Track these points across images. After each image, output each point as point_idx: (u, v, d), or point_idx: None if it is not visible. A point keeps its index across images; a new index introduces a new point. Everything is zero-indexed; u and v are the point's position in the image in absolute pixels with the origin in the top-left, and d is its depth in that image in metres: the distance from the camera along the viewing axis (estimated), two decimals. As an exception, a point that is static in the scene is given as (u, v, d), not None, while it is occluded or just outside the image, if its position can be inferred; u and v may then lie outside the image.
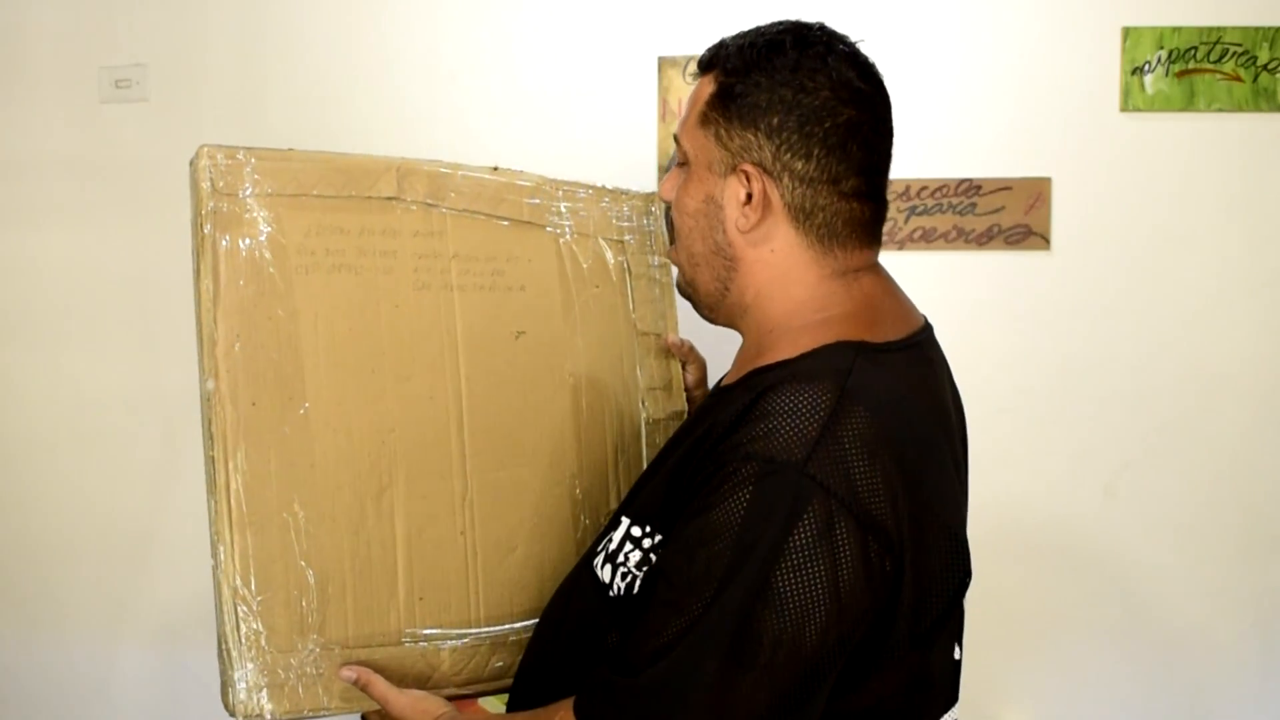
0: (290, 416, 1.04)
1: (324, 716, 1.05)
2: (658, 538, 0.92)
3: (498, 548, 1.15)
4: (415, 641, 1.09)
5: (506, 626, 1.14)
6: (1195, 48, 1.83)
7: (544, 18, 1.96)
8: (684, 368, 1.34)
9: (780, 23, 1.00)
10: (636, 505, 0.98)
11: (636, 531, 0.95)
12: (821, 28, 1.00)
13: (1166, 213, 1.87)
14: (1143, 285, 1.88)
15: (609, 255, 1.27)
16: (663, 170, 1.89)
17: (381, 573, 1.08)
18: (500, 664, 1.13)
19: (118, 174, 2.05)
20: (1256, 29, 1.83)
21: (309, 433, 1.05)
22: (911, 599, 0.87)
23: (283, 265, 1.06)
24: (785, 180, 0.96)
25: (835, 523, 0.82)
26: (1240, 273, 1.87)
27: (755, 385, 0.92)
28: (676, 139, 1.04)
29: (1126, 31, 1.85)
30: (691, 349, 1.35)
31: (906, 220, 1.89)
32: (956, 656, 1.01)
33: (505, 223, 1.19)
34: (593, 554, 1.00)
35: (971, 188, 1.89)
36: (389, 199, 1.12)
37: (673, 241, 1.07)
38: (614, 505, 1.21)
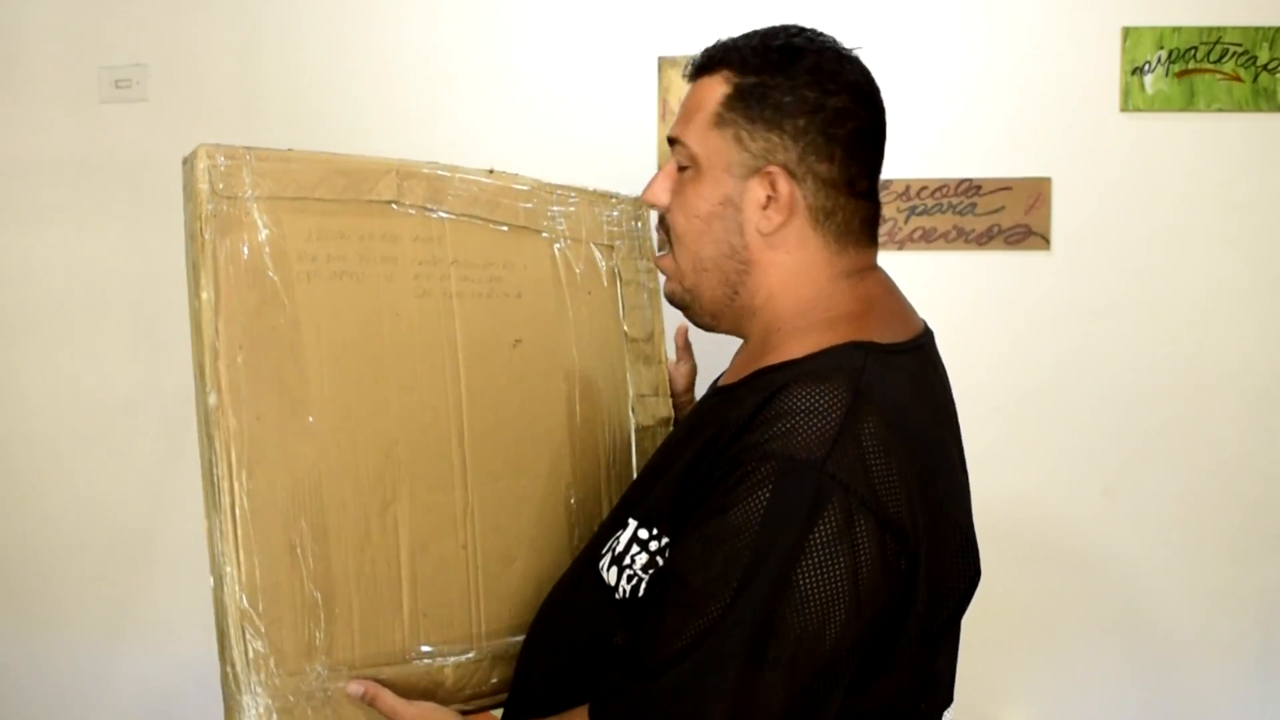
0: (295, 430, 1.00)
1: None
2: (665, 540, 0.92)
3: (498, 561, 1.12)
4: (420, 659, 1.06)
5: (507, 640, 1.12)
6: (1195, 48, 1.84)
7: (543, 18, 1.96)
8: (678, 367, 1.33)
9: (782, 26, 1.00)
10: (644, 507, 0.97)
11: (644, 534, 0.94)
12: (818, 32, 1.00)
13: (1166, 213, 1.87)
14: (1142, 285, 1.88)
15: (600, 260, 1.25)
16: (663, 170, 1.89)
17: (387, 590, 1.05)
18: (499, 679, 1.11)
19: (117, 174, 2.05)
20: (1256, 29, 1.83)
21: (315, 447, 1.01)
22: (925, 597, 0.88)
23: (285, 272, 1.01)
24: (809, 182, 0.96)
25: (855, 521, 0.82)
26: (1240, 273, 1.87)
27: (765, 385, 0.91)
28: (674, 140, 1.01)
29: (1126, 31, 1.85)
30: (689, 346, 1.34)
31: (906, 220, 1.89)
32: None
33: (502, 228, 1.17)
34: (596, 556, 0.99)
35: (971, 188, 1.89)
36: (389, 203, 1.09)
37: (667, 247, 1.04)
38: (606, 515, 1.19)
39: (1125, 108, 1.86)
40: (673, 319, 1.30)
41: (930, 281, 1.89)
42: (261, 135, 2.01)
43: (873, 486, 0.84)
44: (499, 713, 1.12)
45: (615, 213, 1.27)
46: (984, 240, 1.89)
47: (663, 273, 1.07)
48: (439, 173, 1.13)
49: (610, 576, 0.95)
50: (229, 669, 0.97)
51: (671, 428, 1.29)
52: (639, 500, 0.99)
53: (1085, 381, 1.89)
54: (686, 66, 1.03)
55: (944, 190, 1.89)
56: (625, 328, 1.27)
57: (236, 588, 0.96)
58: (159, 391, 2.05)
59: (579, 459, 1.20)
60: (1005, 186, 1.88)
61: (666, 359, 1.32)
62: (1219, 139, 1.85)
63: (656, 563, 0.92)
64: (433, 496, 1.08)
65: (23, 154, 2.09)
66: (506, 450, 1.14)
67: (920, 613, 0.88)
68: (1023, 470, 1.89)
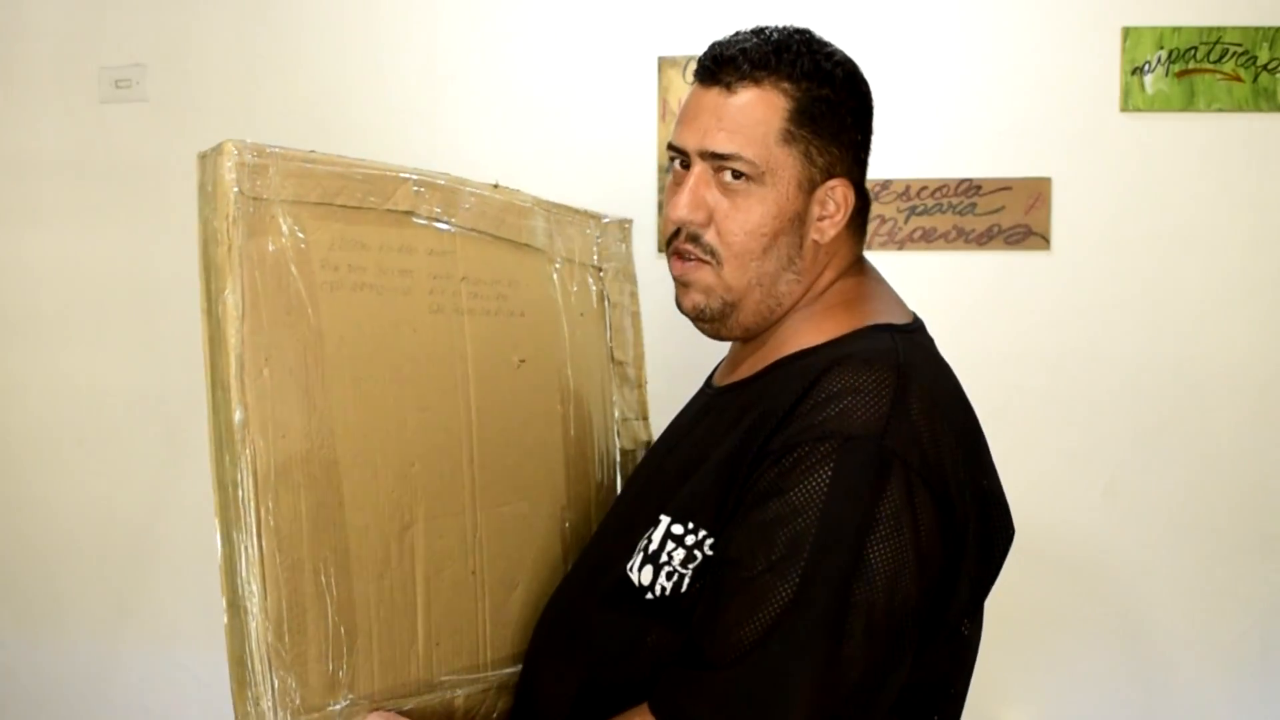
0: (319, 450, 0.95)
1: None
2: (703, 533, 0.92)
3: (503, 586, 1.10)
4: (433, 690, 1.03)
5: (511, 670, 1.09)
6: (1195, 48, 1.83)
7: (543, 18, 1.96)
8: None
9: (799, 30, 1.00)
10: (675, 503, 0.96)
11: (678, 529, 0.94)
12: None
13: (1166, 213, 1.87)
14: (1142, 285, 1.88)
15: (591, 282, 1.24)
16: (663, 171, 1.89)
17: (403, 619, 1.01)
18: (504, 707, 1.09)
19: (117, 174, 2.05)
20: (1256, 29, 1.83)
21: (338, 468, 0.96)
22: (974, 560, 0.92)
23: (309, 280, 0.96)
24: (857, 188, 1.00)
25: (914, 492, 0.85)
26: (1240, 273, 1.87)
27: (797, 372, 0.93)
28: (722, 155, 0.96)
29: (1126, 31, 1.85)
30: None
31: (906, 220, 1.89)
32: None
33: (507, 245, 1.14)
34: (617, 561, 0.98)
35: (971, 188, 1.89)
36: (406, 213, 1.04)
37: (709, 264, 0.99)
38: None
39: (1125, 108, 1.86)
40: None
41: (930, 281, 1.89)
42: (261, 136, 2.00)
43: (925, 459, 0.87)
44: None
45: (603, 234, 1.26)
46: (984, 240, 1.89)
47: (692, 286, 1.01)
48: (451, 185, 1.10)
49: (644, 576, 0.94)
50: (252, 707, 0.92)
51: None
52: (667, 496, 0.98)
53: (1085, 381, 1.89)
54: (708, 71, 0.99)
55: (944, 190, 1.89)
56: (613, 350, 1.27)
57: (262, 618, 0.90)
58: (159, 391, 2.05)
59: (573, 482, 1.19)
60: (1005, 186, 1.88)
61: (645, 382, 1.32)
62: (1219, 139, 1.85)
63: (695, 556, 0.92)
64: (446, 520, 1.05)
65: (23, 154, 2.09)
66: (511, 473, 1.12)
67: (971, 577, 0.92)
68: (1023, 469, 1.88)
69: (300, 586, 0.93)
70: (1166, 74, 1.84)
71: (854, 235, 1.03)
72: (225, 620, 0.93)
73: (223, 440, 0.92)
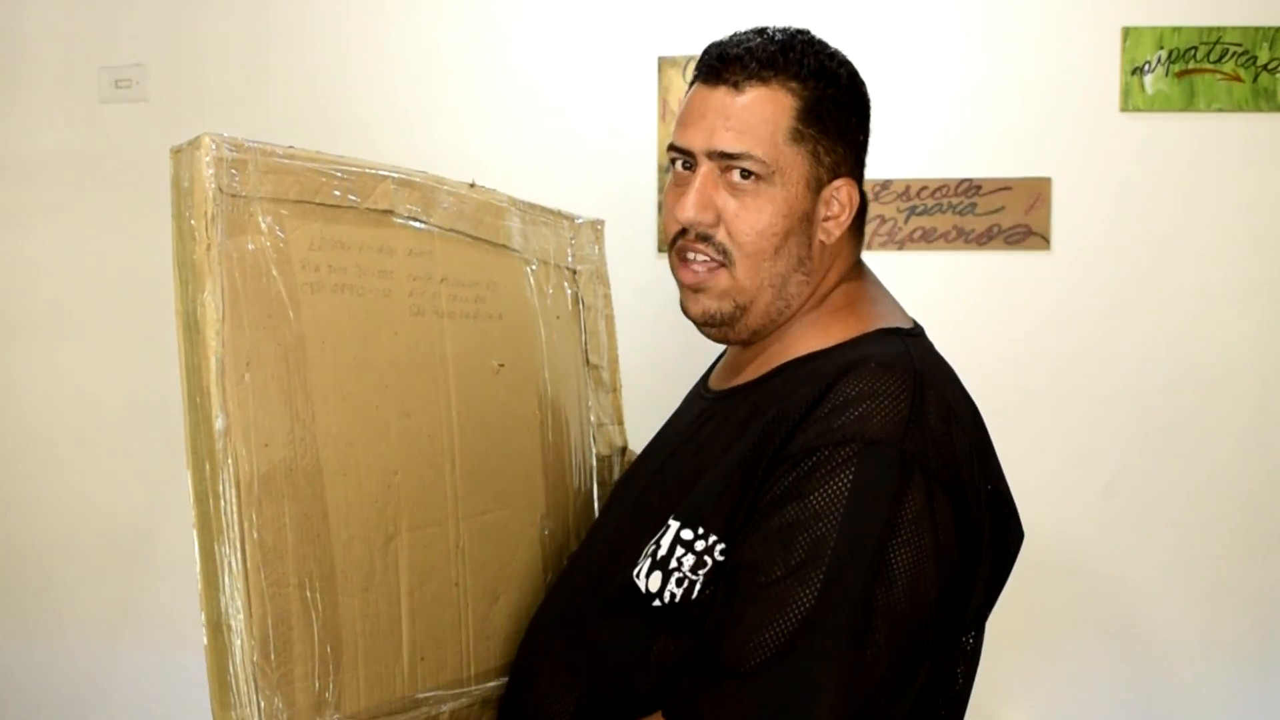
0: (303, 459, 0.91)
1: None
2: (713, 539, 0.91)
3: (485, 598, 1.07)
4: (418, 706, 1.00)
5: (495, 683, 1.07)
6: (1195, 48, 1.83)
7: (544, 18, 1.96)
8: None
9: (799, 31, 1.00)
10: (684, 508, 0.94)
11: (687, 534, 0.92)
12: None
13: (1166, 213, 1.87)
14: (1142, 285, 1.88)
15: (566, 285, 1.22)
16: (663, 171, 1.89)
17: (388, 634, 0.97)
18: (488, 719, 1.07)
19: (118, 174, 2.05)
20: (1256, 29, 1.83)
21: (322, 478, 0.92)
22: (989, 563, 0.92)
23: (290, 281, 0.92)
24: (859, 187, 1.00)
25: (933, 496, 0.85)
26: (1240, 273, 1.87)
27: (807, 375, 0.93)
28: (731, 155, 0.95)
29: (1126, 31, 1.85)
30: None
31: (906, 220, 1.89)
32: None
33: (484, 246, 1.11)
34: (621, 567, 0.96)
35: (971, 188, 1.89)
36: (385, 212, 1.01)
37: (723, 266, 0.98)
38: (574, 547, 1.17)
39: (1125, 108, 1.86)
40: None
41: (930, 281, 1.89)
42: (261, 135, 2.00)
43: (944, 463, 0.87)
44: None
45: (576, 236, 1.24)
46: (984, 240, 1.89)
47: (706, 291, 0.99)
48: (429, 183, 1.07)
49: (652, 583, 0.92)
50: None
51: (625, 456, 1.28)
52: (674, 501, 0.96)
53: (1085, 382, 1.89)
54: (711, 71, 0.98)
55: (944, 190, 1.89)
56: (588, 354, 1.25)
57: (248, 637, 0.86)
58: (159, 391, 2.05)
59: (551, 489, 1.16)
60: (1005, 186, 1.88)
61: (620, 386, 1.30)
62: (1219, 139, 1.85)
63: (705, 562, 0.90)
64: (429, 530, 1.02)
65: (23, 154, 2.09)
66: (491, 480, 1.09)
67: (986, 579, 0.92)
68: (1023, 470, 1.87)
69: (285, 602, 0.89)
70: (1166, 74, 1.84)
71: (855, 237, 1.03)
72: (205, 639, 0.89)
73: (202, 449, 0.88)
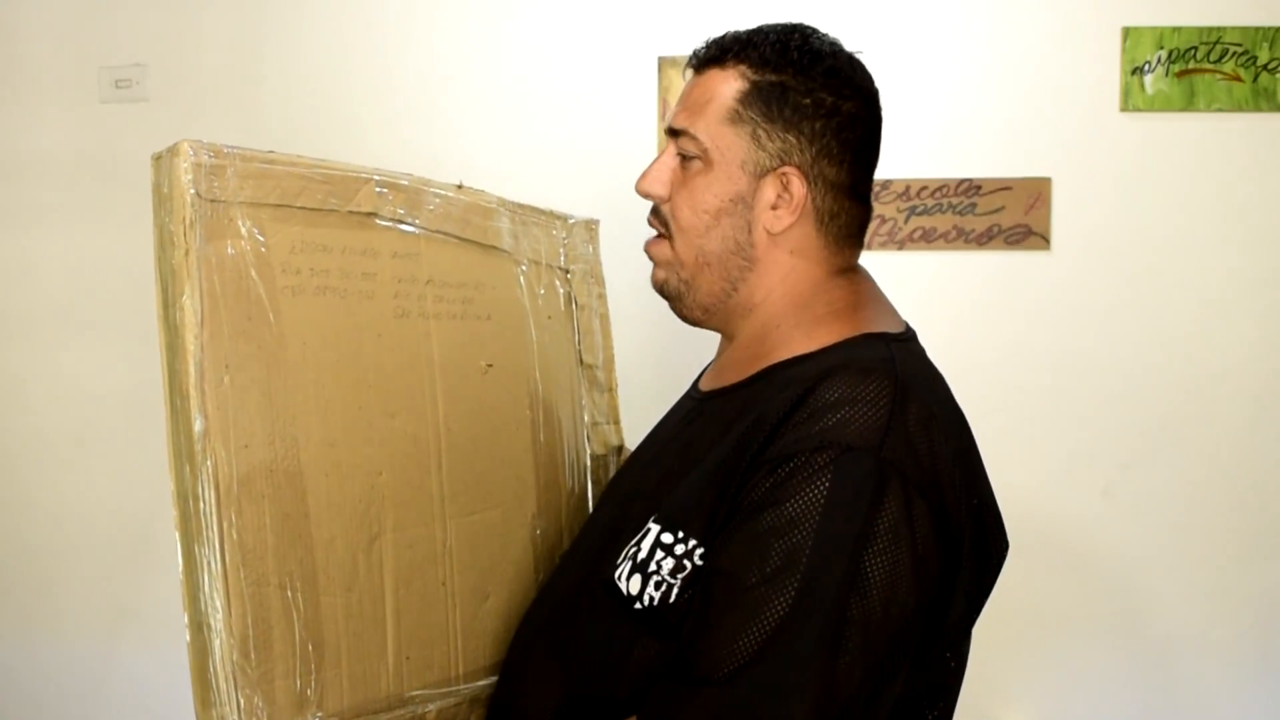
0: (283, 461, 0.92)
1: None
2: (692, 543, 0.90)
3: (474, 598, 1.07)
4: (404, 705, 1.01)
5: (485, 682, 1.07)
6: (1195, 48, 1.84)
7: (543, 18, 1.96)
8: None
9: (794, 26, 0.99)
10: (664, 511, 0.94)
11: (667, 538, 0.91)
12: (826, 34, 1.00)
13: (1166, 213, 1.87)
14: (1142, 285, 1.88)
15: (558, 284, 1.21)
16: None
17: (373, 633, 0.98)
18: (477, 719, 1.07)
19: (118, 174, 2.05)
20: (1256, 29, 1.83)
21: (302, 479, 0.93)
22: (970, 572, 0.91)
23: (270, 285, 0.93)
24: (819, 185, 0.97)
25: (911, 504, 0.84)
26: (1240, 273, 1.87)
27: (791, 379, 0.92)
28: (678, 132, 0.99)
29: (1126, 31, 1.85)
30: None
31: (906, 220, 1.89)
32: None
33: (473, 247, 1.12)
34: (604, 569, 0.96)
35: (971, 188, 1.89)
36: (369, 215, 1.02)
37: (666, 238, 1.01)
38: (566, 546, 1.17)
39: (1125, 108, 1.86)
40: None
41: (930, 281, 1.89)
42: (260, 135, 2.01)
43: (923, 471, 0.86)
44: None
45: (569, 235, 1.24)
46: (984, 240, 1.89)
47: (654, 259, 1.04)
48: (414, 185, 1.07)
49: (632, 585, 0.92)
50: None
51: (621, 455, 1.27)
52: (655, 504, 0.96)
53: (1085, 381, 1.89)
54: (693, 56, 1.01)
55: (944, 190, 1.89)
56: (581, 354, 1.25)
57: (227, 636, 0.88)
58: (159, 392, 2.04)
59: (543, 490, 1.16)
60: (1005, 186, 1.88)
61: (616, 385, 1.30)
62: (1219, 139, 1.85)
63: (684, 566, 0.90)
64: (415, 530, 1.02)
65: (22, 154, 2.09)
66: (480, 480, 1.09)
67: (967, 589, 0.90)
68: (1023, 470, 1.89)
69: (265, 602, 0.90)
70: (1166, 74, 1.84)
71: (833, 238, 0.99)
72: (188, 638, 0.90)
73: (182, 451, 0.91)
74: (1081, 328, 1.89)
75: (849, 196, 0.98)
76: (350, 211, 1.00)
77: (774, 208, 0.97)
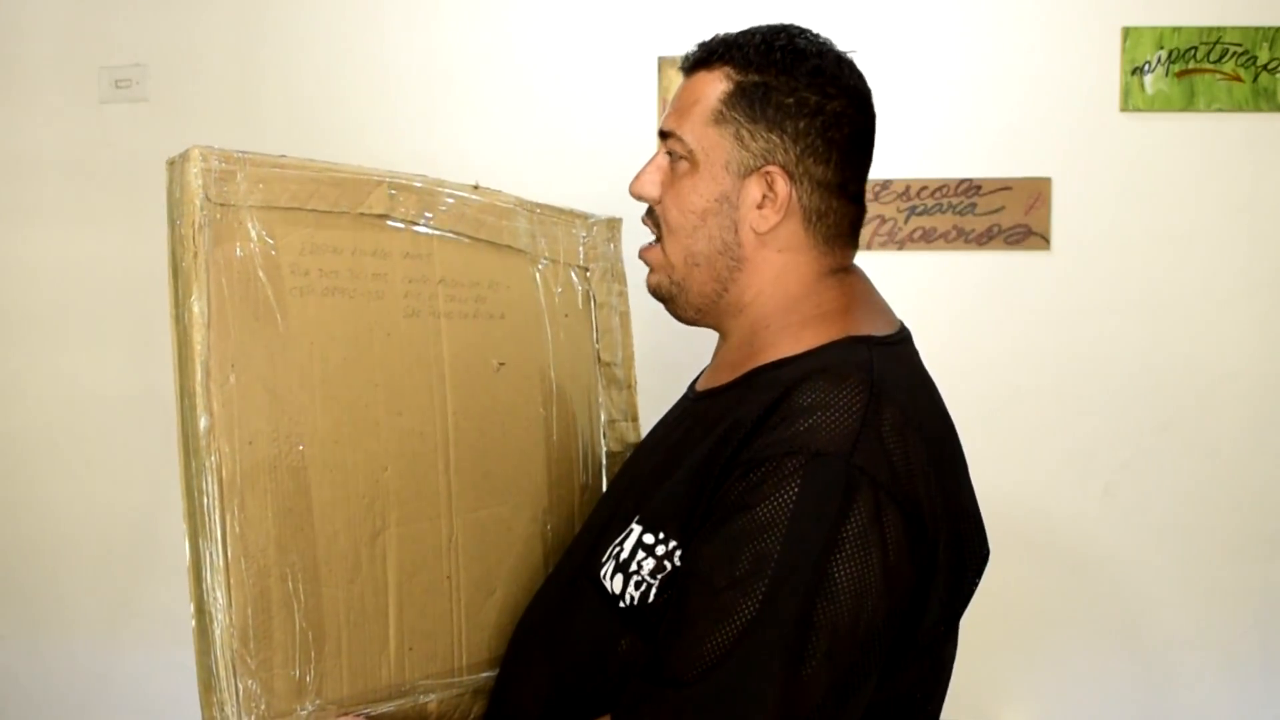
0: (287, 457, 0.95)
1: None
2: (672, 544, 0.91)
3: (479, 592, 1.09)
4: (405, 695, 1.03)
5: (488, 674, 1.08)
6: (1195, 48, 1.84)
7: (543, 18, 1.96)
8: None
9: (782, 26, 0.99)
10: (647, 511, 0.95)
11: (649, 539, 0.93)
12: (816, 34, 1.00)
13: (1166, 213, 1.87)
14: (1142, 285, 1.88)
15: (576, 283, 1.22)
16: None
17: (374, 625, 1.01)
18: (479, 712, 1.09)
19: (117, 174, 2.05)
20: (1256, 29, 1.83)
21: (306, 474, 0.96)
22: (945, 581, 0.90)
23: (278, 286, 0.96)
24: (805, 184, 0.97)
25: (882, 511, 0.84)
26: (1240, 273, 1.87)
27: (771, 382, 0.92)
28: (667, 134, 1.00)
29: (1126, 31, 1.85)
30: None
31: (906, 220, 1.89)
32: None
33: (487, 247, 1.13)
34: (594, 565, 0.98)
35: (971, 188, 1.89)
36: (380, 216, 1.04)
37: (658, 243, 1.02)
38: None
39: (1125, 108, 1.86)
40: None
41: (930, 281, 1.89)
42: (261, 135, 2.01)
43: (896, 477, 0.85)
44: None
45: (590, 234, 1.25)
46: (984, 240, 1.89)
47: (648, 264, 1.04)
48: (428, 187, 1.09)
49: (615, 585, 0.93)
50: (217, 712, 0.92)
51: None
52: (639, 504, 0.97)
53: (1085, 381, 1.89)
54: (683, 60, 1.02)
55: (944, 190, 1.89)
56: (600, 352, 1.25)
57: (228, 624, 0.91)
58: (159, 391, 2.04)
59: (555, 486, 1.17)
60: (1005, 186, 1.88)
61: (635, 383, 1.30)
62: (1219, 139, 1.85)
63: (664, 567, 0.91)
64: (419, 525, 1.04)
65: (23, 154, 2.09)
66: (489, 477, 1.11)
67: (941, 597, 0.90)
68: (1023, 470, 1.89)
69: (266, 593, 0.93)
70: (1166, 74, 1.84)
71: (822, 237, 0.98)
72: (193, 624, 0.93)
73: (189, 447, 0.93)
74: (1081, 328, 1.89)
75: (838, 195, 0.98)
76: (362, 214, 1.03)
77: (759, 207, 0.97)
